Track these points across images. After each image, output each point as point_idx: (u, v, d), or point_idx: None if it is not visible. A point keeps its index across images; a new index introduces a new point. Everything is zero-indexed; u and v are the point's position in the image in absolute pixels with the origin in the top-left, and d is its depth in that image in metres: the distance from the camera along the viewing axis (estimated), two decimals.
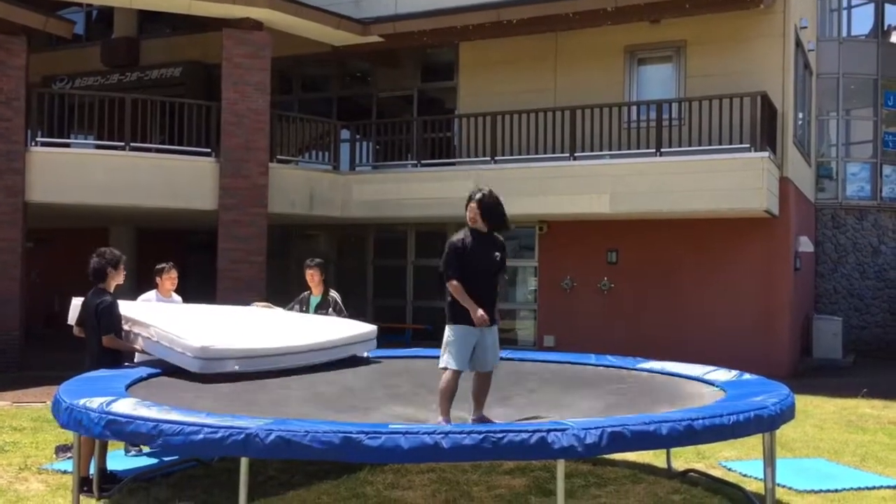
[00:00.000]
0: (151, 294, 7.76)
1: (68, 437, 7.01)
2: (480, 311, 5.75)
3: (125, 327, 6.62)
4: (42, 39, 15.35)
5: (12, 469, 6.76)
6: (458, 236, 5.94)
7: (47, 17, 13.11)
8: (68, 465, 6.53)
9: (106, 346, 6.32)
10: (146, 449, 7.00)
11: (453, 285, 5.80)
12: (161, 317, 6.89)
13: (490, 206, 5.99)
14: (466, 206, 6.04)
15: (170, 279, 7.80)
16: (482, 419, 5.91)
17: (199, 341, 6.34)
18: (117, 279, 6.50)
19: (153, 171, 13.44)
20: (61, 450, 7.22)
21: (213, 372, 6.33)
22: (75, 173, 13.13)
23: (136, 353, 6.90)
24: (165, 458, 6.92)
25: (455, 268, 5.81)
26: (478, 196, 6.00)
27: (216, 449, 4.26)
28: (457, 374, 5.84)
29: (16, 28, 12.92)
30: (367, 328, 7.80)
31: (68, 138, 14.44)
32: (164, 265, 7.86)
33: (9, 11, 12.57)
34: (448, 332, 5.92)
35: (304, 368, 6.89)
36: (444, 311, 5.97)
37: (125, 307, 6.76)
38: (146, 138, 14.19)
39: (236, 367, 6.45)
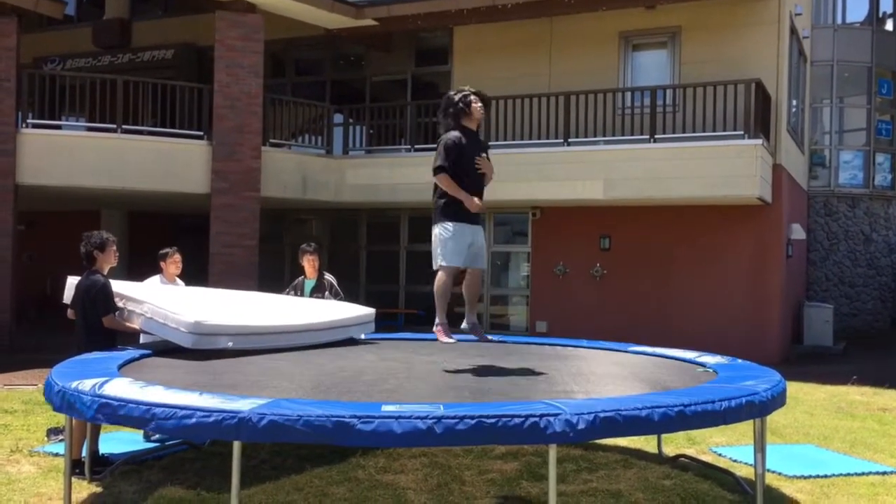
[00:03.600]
0: (156, 279, 7.73)
1: (60, 419, 7.01)
2: (475, 199, 5.72)
3: (120, 304, 6.57)
4: (33, 20, 15.22)
5: (3, 452, 6.75)
6: (453, 134, 5.82)
7: None
8: (60, 448, 6.53)
9: (107, 326, 6.29)
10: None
11: (444, 177, 5.71)
12: (156, 294, 6.87)
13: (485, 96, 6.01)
14: (464, 109, 5.85)
15: (174, 263, 7.76)
16: (475, 326, 6.00)
17: (193, 316, 6.31)
18: (108, 261, 6.44)
19: (145, 153, 13.38)
20: (53, 432, 7.22)
21: (206, 348, 6.31)
22: (66, 155, 13.06)
23: (141, 335, 6.88)
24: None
25: (449, 162, 5.72)
26: (480, 98, 5.93)
27: (209, 432, 4.25)
28: (453, 271, 5.82)
29: (6, 8, 12.80)
30: (364, 310, 7.81)
31: (59, 120, 14.35)
32: (167, 250, 7.81)
33: None
34: (440, 229, 5.82)
35: (299, 348, 6.88)
36: (433, 192, 5.91)
37: (120, 286, 6.73)
38: (138, 121, 14.12)
39: (230, 344, 6.42)
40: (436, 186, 5.87)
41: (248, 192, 13.78)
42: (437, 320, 5.87)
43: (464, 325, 6.01)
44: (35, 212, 17.90)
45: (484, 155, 5.98)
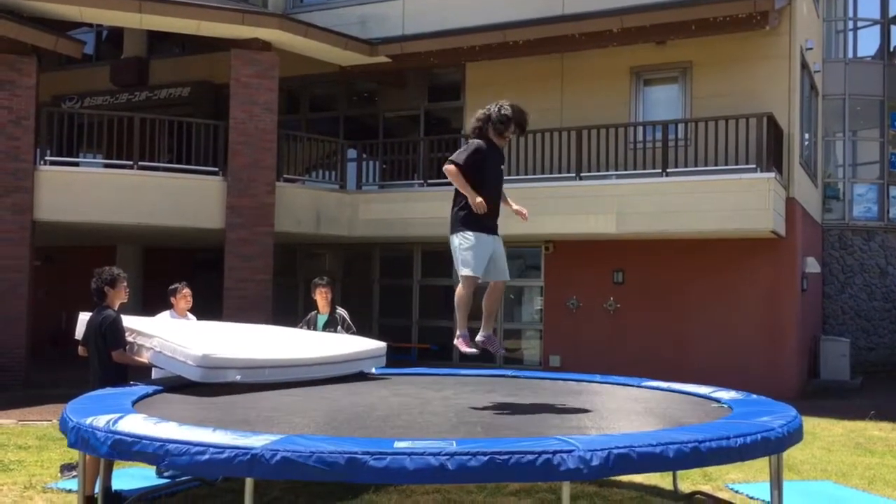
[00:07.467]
0: (166, 314, 7.78)
1: (73, 455, 7.01)
2: (479, 199, 5.62)
3: (130, 339, 6.60)
4: (52, 59, 15.50)
5: (17, 488, 6.75)
6: (477, 141, 5.80)
7: (57, 38, 13.24)
8: (73, 484, 6.52)
9: (116, 360, 6.32)
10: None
11: (454, 170, 5.64)
12: (165, 328, 6.89)
13: (524, 121, 5.94)
14: (501, 128, 5.82)
15: (184, 298, 7.82)
16: (490, 338, 5.90)
17: (201, 349, 6.32)
18: (119, 297, 6.49)
19: (161, 189, 13.52)
20: (66, 468, 7.22)
21: (214, 381, 6.30)
22: (83, 192, 13.21)
23: (153, 370, 6.90)
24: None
25: (465, 160, 5.67)
26: (518, 124, 5.89)
27: (221, 469, 4.25)
28: (473, 281, 5.75)
29: (26, 48, 13.04)
30: (375, 344, 7.79)
31: (77, 157, 14.54)
32: (177, 285, 7.88)
33: (19, 32, 12.70)
34: (459, 238, 5.74)
35: (310, 382, 6.86)
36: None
37: (130, 321, 6.76)
38: (154, 157, 14.29)
39: (238, 378, 6.39)
40: (454, 197, 5.83)
41: (263, 227, 13.87)
42: (457, 332, 5.83)
43: (479, 337, 5.93)
44: (51, 247, 18.05)
45: (503, 168, 6.01)
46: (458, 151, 5.80)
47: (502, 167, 6.02)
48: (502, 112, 5.84)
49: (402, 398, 6.37)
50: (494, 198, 5.86)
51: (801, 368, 14.51)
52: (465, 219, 5.71)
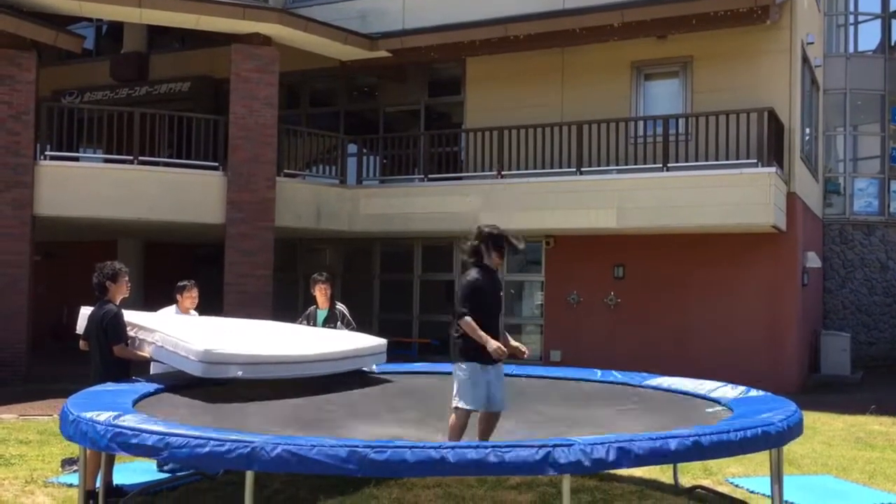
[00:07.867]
0: (170, 309, 7.75)
1: (74, 450, 7.01)
2: (496, 343, 5.78)
3: (131, 333, 6.59)
4: (52, 54, 15.48)
5: (18, 482, 6.76)
6: (473, 275, 5.97)
7: (57, 32, 13.21)
8: (74, 479, 6.53)
9: (117, 355, 6.31)
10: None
11: (467, 322, 5.81)
12: (167, 323, 6.89)
13: (507, 244, 6.08)
14: (495, 252, 6.01)
15: (190, 297, 7.75)
16: None
17: (203, 345, 6.32)
18: (120, 292, 6.47)
19: (161, 184, 13.51)
20: (67, 463, 7.22)
21: (215, 377, 6.30)
22: (84, 187, 13.20)
23: (152, 364, 6.90)
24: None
25: (471, 305, 5.84)
26: (509, 243, 6.05)
27: (222, 462, 4.25)
28: (469, 414, 5.83)
29: (26, 43, 13.02)
30: (376, 341, 7.79)
31: (77, 152, 14.52)
32: (185, 283, 7.79)
33: (19, 26, 12.68)
34: (457, 370, 5.89)
35: (311, 379, 6.86)
36: (449, 327, 5.93)
37: (133, 315, 6.76)
38: (154, 152, 14.27)
39: (239, 373, 6.40)
40: (452, 321, 5.95)
41: (263, 222, 13.86)
42: None
43: None
44: (51, 242, 18.05)
45: (501, 294, 6.19)
46: (462, 294, 5.91)
47: (500, 293, 6.19)
48: (497, 237, 6.01)
49: (402, 394, 6.38)
50: (493, 324, 5.97)
51: (802, 363, 14.51)
52: (464, 348, 5.85)
